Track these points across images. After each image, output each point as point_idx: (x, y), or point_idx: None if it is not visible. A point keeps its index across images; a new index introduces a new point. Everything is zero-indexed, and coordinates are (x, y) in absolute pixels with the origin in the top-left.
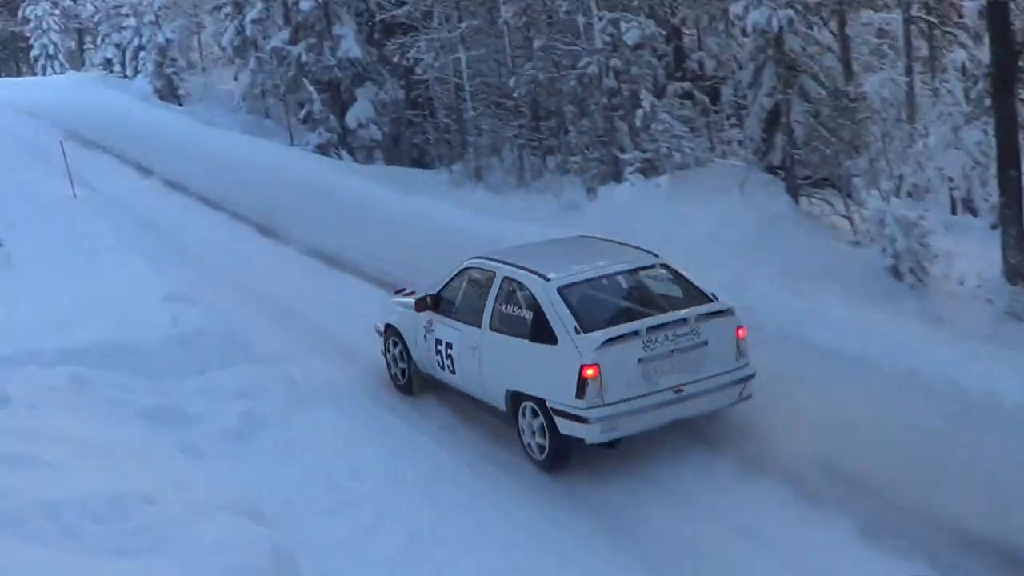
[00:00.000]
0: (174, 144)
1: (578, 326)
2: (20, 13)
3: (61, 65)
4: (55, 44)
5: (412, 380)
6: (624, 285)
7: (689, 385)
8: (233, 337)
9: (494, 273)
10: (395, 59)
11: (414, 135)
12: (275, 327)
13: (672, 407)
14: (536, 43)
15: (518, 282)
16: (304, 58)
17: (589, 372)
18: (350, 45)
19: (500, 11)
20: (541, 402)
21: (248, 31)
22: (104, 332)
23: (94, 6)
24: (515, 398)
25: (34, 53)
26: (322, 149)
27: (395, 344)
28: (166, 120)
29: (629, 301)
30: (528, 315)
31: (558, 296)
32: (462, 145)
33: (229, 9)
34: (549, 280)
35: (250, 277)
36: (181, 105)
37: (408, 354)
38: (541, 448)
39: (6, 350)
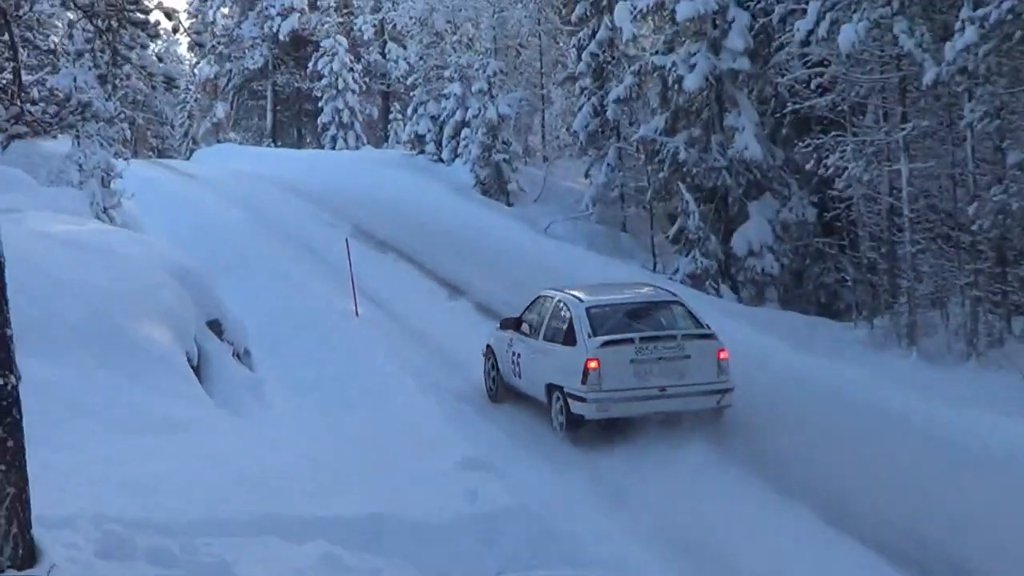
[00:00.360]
0: (495, 255)
1: (591, 332)
2: (310, 66)
3: (357, 138)
4: (351, 110)
5: (498, 389)
6: (640, 312)
7: (671, 387)
8: (545, 526)
9: (553, 298)
10: (807, 165)
11: (824, 271)
12: (607, 519)
13: (656, 401)
14: (1011, 158)
15: (565, 303)
16: (683, 155)
17: (591, 364)
18: (747, 141)
19: (963, 110)
20: (562, 389)
21: (609, 113)
22: (373, 500)
23: (408, 64)
24: (549, 389)
25: (323, 119)
26: (695, 280)
27: (487, 358)
28: (488, 222)
29: (638, 322)
30: (565, 327)
31: (584, 313)
32: (892, 291)
33: (587, 82)
34: (583, 302)
35: (580, 450)
36: (510, 204)
37: (497, 367)
38: (561, 425)
39: (242, 509)
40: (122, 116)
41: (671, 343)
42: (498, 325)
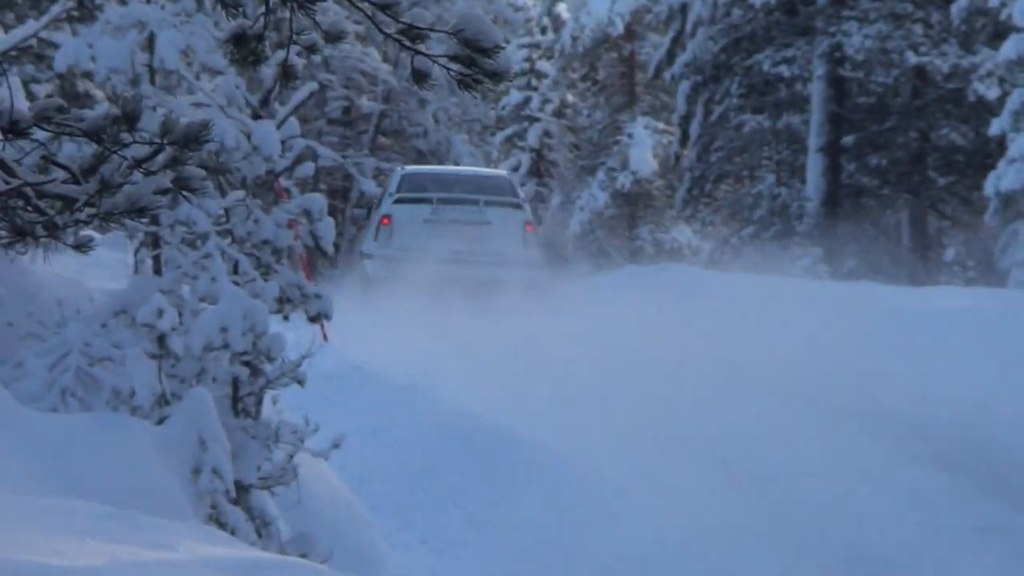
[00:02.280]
0: None
1: (393, 193)
2: None
3: None
4: None
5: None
6: (457, 182)
7: (468, 253)
8: None
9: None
10: None
11: None
12: None
13: (452, 267)
14: None
15: (392, 172)
16: None
17: (383, 221)
18: None
19: None
20: (362, 251)
21: None
22: None
23: None
24: (359, 256)
25: None
26: None
27: None
28: None
29: (450, 191)
30: (383, 193)
31: (399, 177)
32: None
33: None
34: (403, 169)
35: None
36: None
37: None
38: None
39: None
40: None
41: (471, 207)
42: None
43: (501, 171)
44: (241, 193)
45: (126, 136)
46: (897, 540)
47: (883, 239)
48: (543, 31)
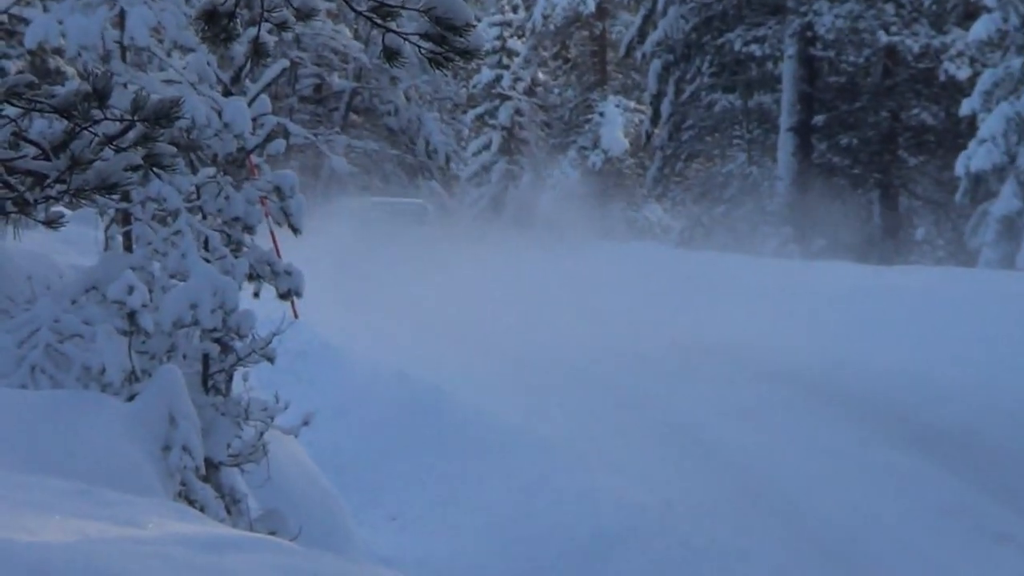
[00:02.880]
0: None
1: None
2: None
3: None
4: None
5: None
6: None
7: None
8: None
9: None
10: None
11: None
12: None
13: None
14: None
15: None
16: None
17: None
18: None
19: None
20: None
21: None
22: None
23: None
24: None
25: None
26: None
27: None
28: None
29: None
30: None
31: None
32: None
33: None
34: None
35: None
36: None
37: None
38: None
39: None
40: None
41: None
42: None
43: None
44: (212, 170)
45: (97, 113)
46: (848, 506)
47: (853, 218)
48: (514, 9)
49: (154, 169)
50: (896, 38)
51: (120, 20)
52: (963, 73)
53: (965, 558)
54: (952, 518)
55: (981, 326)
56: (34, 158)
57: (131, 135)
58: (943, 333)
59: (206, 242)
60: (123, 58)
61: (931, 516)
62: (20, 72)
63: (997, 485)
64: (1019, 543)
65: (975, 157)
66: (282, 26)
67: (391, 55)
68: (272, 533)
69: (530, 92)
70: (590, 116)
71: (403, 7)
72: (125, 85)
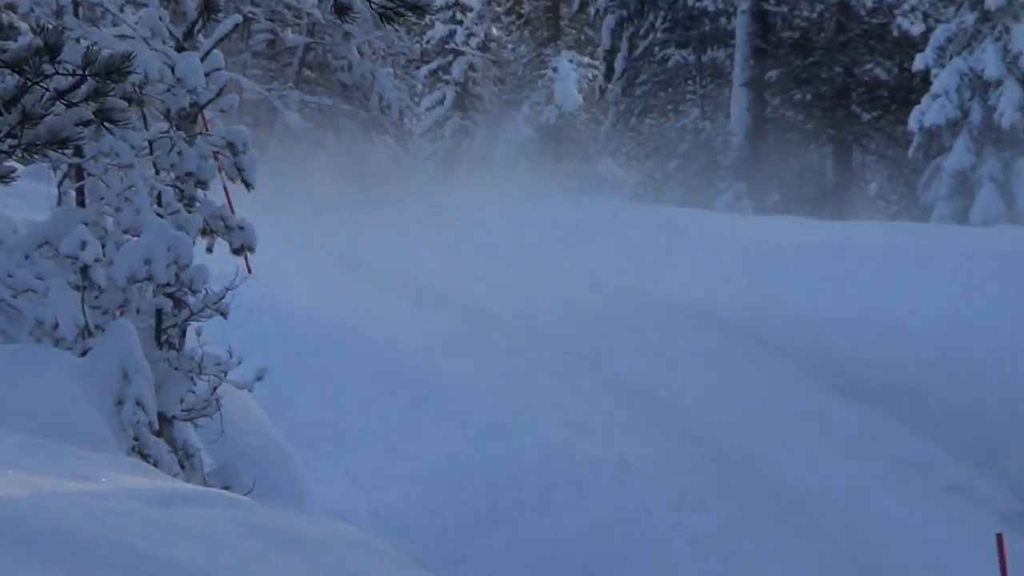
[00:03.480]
0: None
1: None
2: None
3: None
4: None
5: None
6: None
7: None
8: None
9: None
10: None
11: None
12: None
13: None
14: None
15: None
16: None
17: None
18: None
19: None
20: None
21: None
22: None
23: None
24: None
25: None
26: None
27: None
28: None
29: None
30: None
31: None
32: None
33: None
34: None
35: None
36: None
37: None
38: None
39: None
40: None
41: None
42: None
43: None
44: (165, 125)
45: (48, 67)
46: (802, 458)
47: (807, 173)
48: None
49: (105, 124)
50: None
51: None
52: (916, 28)
53: (916, 509)
54: (904, 469)
55: (934, 281)
56: None
57: (83, 89)
58: (896, 287)
59: (159, 197)
60: (76, 13)
61: (884, 467)
62: None
63: (947, 438)
64: (969, 495)
65: (928, 112)
66: None
67: (342, 10)
68: (226, 488)
69: (483, 47)
70: (543, 71)
71: None
72: (78, 40)
